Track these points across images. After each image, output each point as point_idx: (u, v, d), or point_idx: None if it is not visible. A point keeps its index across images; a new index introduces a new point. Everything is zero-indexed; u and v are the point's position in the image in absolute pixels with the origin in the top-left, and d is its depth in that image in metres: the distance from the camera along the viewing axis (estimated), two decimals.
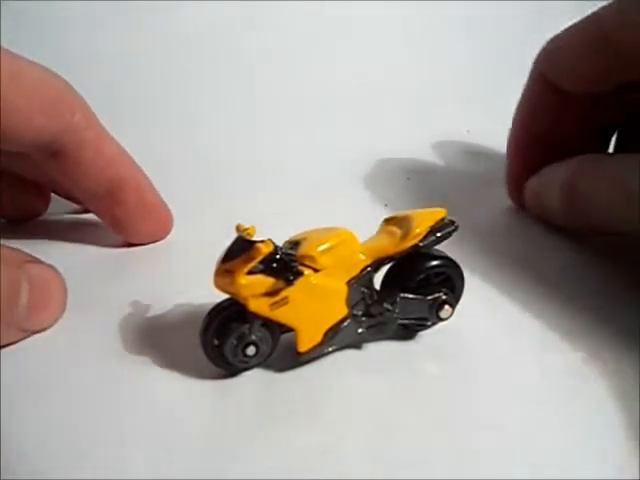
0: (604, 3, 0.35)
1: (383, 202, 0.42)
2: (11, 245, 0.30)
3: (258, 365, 0.28)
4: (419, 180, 0.49)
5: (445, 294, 0.30)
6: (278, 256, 0.26)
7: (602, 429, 0.26)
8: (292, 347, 0.28)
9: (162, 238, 0.40)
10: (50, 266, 0.31)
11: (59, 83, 0.35)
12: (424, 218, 0.29)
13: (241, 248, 0.26)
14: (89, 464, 0.24)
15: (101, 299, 0.33)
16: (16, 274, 0.28)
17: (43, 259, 0.31)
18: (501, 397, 0.28)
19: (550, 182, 0.39)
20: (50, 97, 0.34)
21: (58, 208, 0.42)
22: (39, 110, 0.33)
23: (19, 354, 0.29)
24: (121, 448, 0.25)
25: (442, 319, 0.30)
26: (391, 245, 0.29)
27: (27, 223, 0.42)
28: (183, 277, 0.34)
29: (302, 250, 0.28)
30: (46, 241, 0.39)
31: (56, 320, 0.31)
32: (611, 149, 0.42)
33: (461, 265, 0.30)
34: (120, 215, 0.38)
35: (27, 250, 0.31)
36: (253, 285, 0.26)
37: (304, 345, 0.28)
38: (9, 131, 0.32)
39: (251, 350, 0.27)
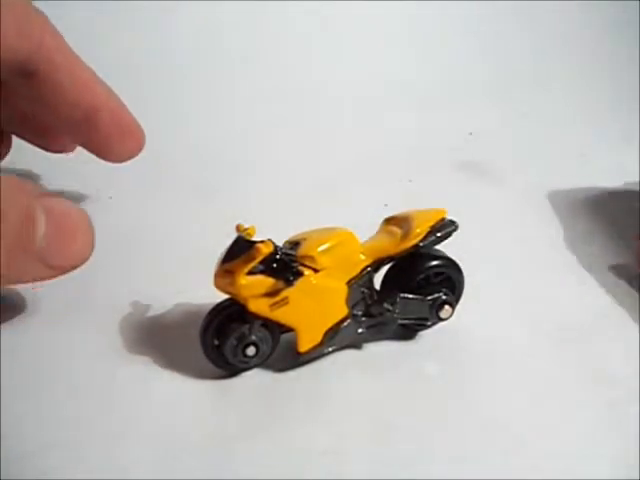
0: (605, 4, 0.34)
1: (383, 202, 0.41)
2: None
3: (258, 365, 0.28)
4: (419, 180, 0.49)
5: (445, 294, 0.30)
6: (278, 256, 0.26)
7: (603, 430, 0.26)
8: (292, 347, 0.28)
9: (136, 155, 0.40)
10: (72, 203, 0.28)
11: (25, 2, 0.34)
12: (424, 218, 0.29)
13: (241, 248, 0.26)
14: (89, 464, 0.24)
15: (101, 299, 0.33)
16: (29, 202, 0.26)
17: None
18: (501, 397, 0.28)
19: None
20: (20, 16, 0.33)
21: None
22: (11, 29, 0.32)
23: (19, 354, 0.29)
24: (121, 448, 0.25)
25: (442, 319, 0.30)
26: (391, 245, 0.29)
27: None
28: (183, 277, 0.34)
29: (302, 250, 0.28)
30: None
31: (85, 258, 0.28)
32: None
33: (461, 265, 0.30)
34: (98, 139, 0.38)
35: None
36: (253, 285, 0.26)
37: (304, 345, 0.28)
38: None
39: (251, 350, 0.27)
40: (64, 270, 0.28)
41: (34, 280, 0.27)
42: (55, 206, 0.27)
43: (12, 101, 0.37)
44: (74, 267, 0.28)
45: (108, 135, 0.38)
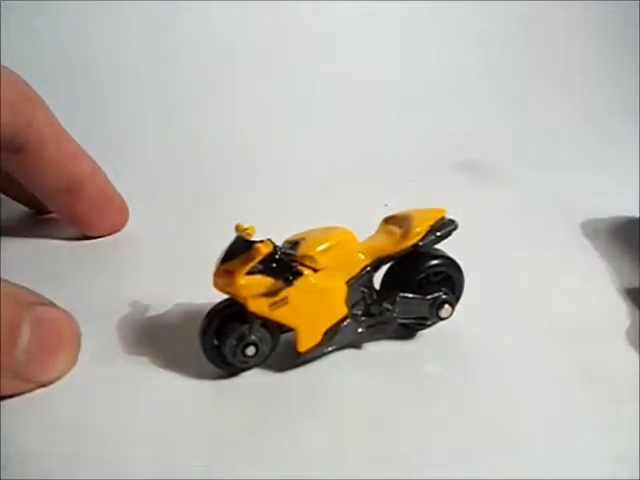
0: (604, 4, 0.34)
1: (383, 202, 0.42)
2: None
3: (258, 365, 0.28)
4: (419, 180, 0.49)
5: (445, 293, 0.30)
6: (277, 256, 0.26)
7: (603, 430, 0.26)
8: (292, 347, 0.28)
9: (119, 230, 0.40)
10: (65, 312, 0.28)
11: (20, 81, 0.35)
12: (424, 217, 0.29)
13: (240, 248, 0.26)
14: (89, 464, 0.24)
15: (101, 299, 0.33)
16: (17, 313, 0.26)
17: (48, 255, 0.31)
18: (501, 397, 0.28)
19: None
20: (13, 94, 0.34)
21: None
22: (4, 105, 0.33)
23: None
24: (121, 448, 0.25)
25: (442, 318, 0.30)
26: (391, 244, 0.29)
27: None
28: (183, 277, 0.34)
29: (301, 250, 0.28)
30: (47, 240, 0.39)
31: (65, 372, 0.28)
32: None
33: (461, 265, 0.30)
34: (81, 210, 0.38)
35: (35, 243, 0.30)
36: (252, 285, 0.26)
37: (304, 345, 0.28)
38: None
39: (251, 350, 0.27)
40: (40, 385, 0.27)
41: (7, 393, 0.26)
42: (44, 317, 0.27)
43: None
44: (51, 382, 0.27)
45: (91, 207, 0.39)
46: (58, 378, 0.27)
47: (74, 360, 0.28)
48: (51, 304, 0.28)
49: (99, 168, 0.39)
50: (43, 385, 0.27)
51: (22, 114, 0.34)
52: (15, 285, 0.27)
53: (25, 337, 0.26)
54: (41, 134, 0.35)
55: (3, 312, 0.25)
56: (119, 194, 0.40)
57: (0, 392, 0.26)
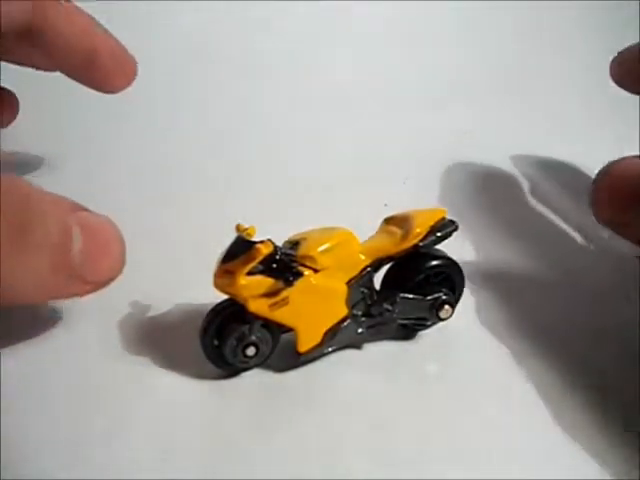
0: (603, 3, 0.34)
1: (383, 202, 0.41)
2: None
3: (258, 365, 0.28)
4: (419, 180, 0.49)
5: (445, 294, 0.30)
6: (278, 256, 0.26)
7: (602, 430, 0.26)
8: (292, 347, 0.28)
9: (131, 83, 0.41)
10: (104, 216, 0.28)
11: None
12: (424, 218, 0.29)
13: (241, 248, 0.26)
14: (89, 464, 0.24)
15: (101, 299, 0.33)
16: (65, 217, 0.26)
17: None
18: (501, 397, 0.28)
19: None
20: None
21: None
22: None
23: (19, 354, 0.29)
24: (121, 448, 0.25)
25: (442, 319, 0.30)
26: (391, 245, 0.29)
27: None
28: (183, 277, 0.34)
29: (302, 250, 0.28)
30: None
31: (119, 272, 0.28)
32: None
33: (461, 265, 0.30)
34: (97, 78, 0.39)
35: None
36: (253, 286, 0.26)
37: (304, 345, 0.28)
38: None
39: (251, 350, 0.27)
40: (99, 285, 0.27)
41: (71, 297, 0.27)
42: (89, 220, 0.27)
43: (10, 54, 0.38)
44: (109, 282, 0.28)
45: (107, 72, 0.39)
46: (113, 278, 0.28)
47: (123, 259, 0.28)
48: (88, 209, 0.28)
49: (109, 32, 0.40)
50: (101, 286, 0.27)
51: None
52: (55, 193, 0.27)
53: (77, 240, 0.26)
54: (50, 12, 0.35)
55: (54, 217, 0.25)
56: (127, 50, 0.41)
57: (68, 296, 0.27)
